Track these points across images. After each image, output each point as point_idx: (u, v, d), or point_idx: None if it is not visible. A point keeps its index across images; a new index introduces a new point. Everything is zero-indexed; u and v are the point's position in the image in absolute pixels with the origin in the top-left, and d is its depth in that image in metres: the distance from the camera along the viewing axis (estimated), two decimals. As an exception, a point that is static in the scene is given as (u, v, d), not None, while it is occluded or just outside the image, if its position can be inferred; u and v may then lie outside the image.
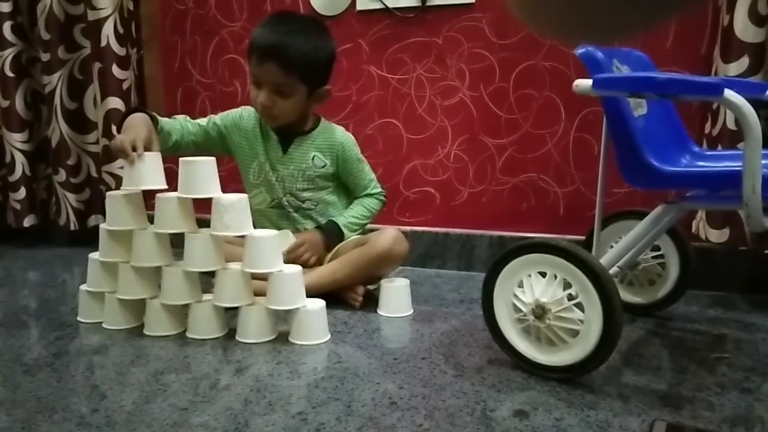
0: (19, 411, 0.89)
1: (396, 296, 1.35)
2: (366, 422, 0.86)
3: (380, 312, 1.35)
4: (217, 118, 1.51)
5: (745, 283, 1.49)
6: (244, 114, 1.51)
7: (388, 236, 1.39)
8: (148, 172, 1.20)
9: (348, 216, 1.50)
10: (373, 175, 1.55)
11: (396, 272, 1.50)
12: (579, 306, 0.95)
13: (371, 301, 1.39)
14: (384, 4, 1.71)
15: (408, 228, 1.75)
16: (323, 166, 1.48)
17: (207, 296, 1.22)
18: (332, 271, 1.40)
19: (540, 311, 0.98)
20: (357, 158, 1.52)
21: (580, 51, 1.03)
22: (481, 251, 1.71)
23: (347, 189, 1.56)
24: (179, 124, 1.44)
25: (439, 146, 1.74)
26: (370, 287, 1.44)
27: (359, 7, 1.75)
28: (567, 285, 0.96)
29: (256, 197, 1.51)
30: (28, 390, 0.96)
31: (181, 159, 1.20)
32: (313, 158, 1.47)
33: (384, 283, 1.37)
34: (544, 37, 1.56)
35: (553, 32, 0.37)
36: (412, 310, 1.36)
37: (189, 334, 1.21)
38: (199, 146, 1.48)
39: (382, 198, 1.56)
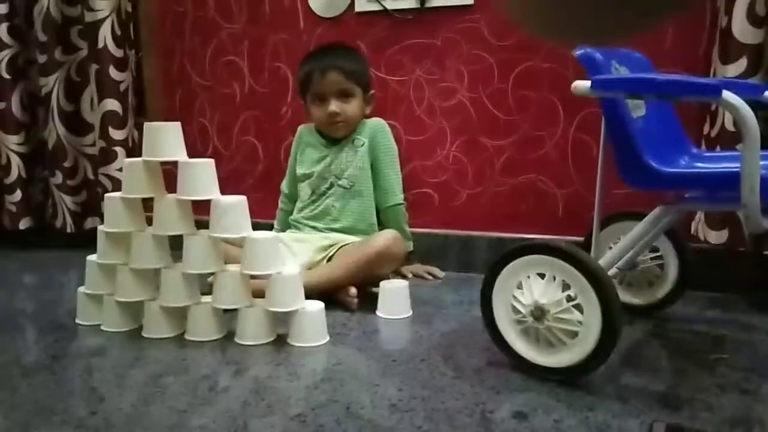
0: (17, 414, 0.89)
1: (395, 298, 1.35)
2: (365, 424, 0.86)
3: (379, 314, 1.35)
4: (291, 163, 1.73)
5: (743, 285, 1.49)
6: (304, 131, 1.71)
7: (386, 236, 1.43)
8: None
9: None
10: (402, 187, 1.66)
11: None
12: (578, 307, 0.95)
13: (370, 303, 1.38)
14: (383, 5, 1.71)
15: (407, 229, 1.74)
16: (362, 144, 1.61)
17: (206, 298, 1.22)
18: (330, 272, 1.40)
19: (539, 313, 0.98)
20: (387, 146, 1.64)
21: (578, 52, 1.03)
22: (480, 252, 1.71)
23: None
24: (285, 204, 1.74)
25: (438, 147, 1.74)
26: (375, 289, 1.43)
27: (358, 8, 1.75)
28: (566, 286, 0.96)
29: (301, 191, 1.67)
30: (26, 393, 0.96)
31: (180, 161, 1.20)
32: (353, 141, 1.63)
33: (383, 284, 1.36)
34: (542, 39, 1.56)
35: (550, 34, 0.37)
36: (411, 312, 1.36)
37: (188, 336, 1.21)
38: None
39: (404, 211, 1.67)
